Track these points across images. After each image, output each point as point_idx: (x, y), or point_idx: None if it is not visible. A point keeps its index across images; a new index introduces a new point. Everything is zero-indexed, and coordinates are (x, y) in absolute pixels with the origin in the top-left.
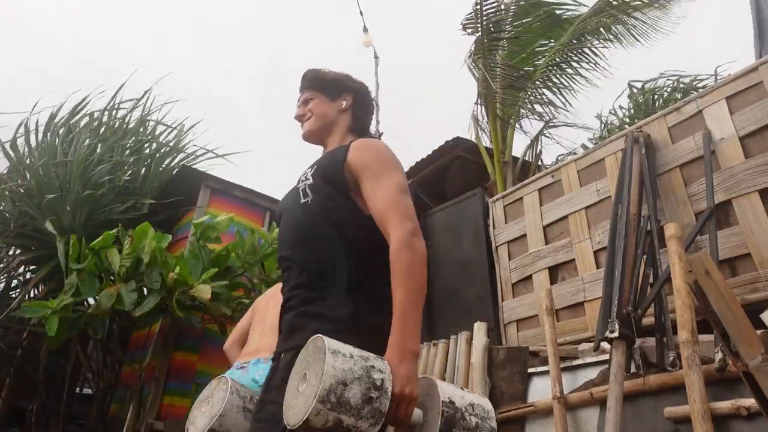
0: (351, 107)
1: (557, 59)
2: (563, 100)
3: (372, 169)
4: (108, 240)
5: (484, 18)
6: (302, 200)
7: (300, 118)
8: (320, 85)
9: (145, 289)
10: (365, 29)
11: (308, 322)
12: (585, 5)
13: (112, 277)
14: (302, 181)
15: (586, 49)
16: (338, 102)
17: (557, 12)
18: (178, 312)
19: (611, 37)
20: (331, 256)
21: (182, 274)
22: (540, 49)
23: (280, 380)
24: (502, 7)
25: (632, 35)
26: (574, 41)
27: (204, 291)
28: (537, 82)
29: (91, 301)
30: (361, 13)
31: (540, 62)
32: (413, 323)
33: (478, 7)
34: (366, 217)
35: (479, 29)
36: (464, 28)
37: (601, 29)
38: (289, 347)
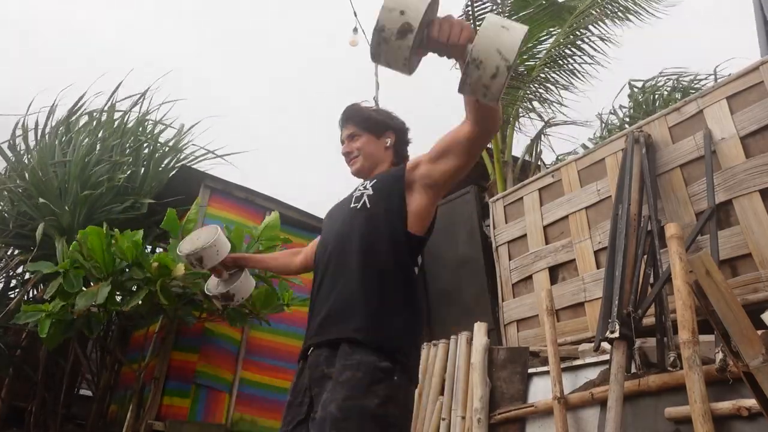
0: (394, 145)
1: (556, 55)
2: (562, 97)
3: (426, 153)
4: (81, 241)
5: (477, 18)
6: (352, 205)
7: (348, 155)
8: (366, 124)
9: (135, 287)
10: (355, 30)
11: (338, 323)
12: None
13: (96, 278)
14: (359, 190)
15: (585, 45)
16: (383, 140)
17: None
18: (163, 300)
19: (614, 20)
20: (370, 265)
21: (164, 261)
22: (539, 44)
23: (308, 381)
24: (499, 1)
25: (632, 18)
26: (572, 36)
27: (179, 269)
28: (536, 80)
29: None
30: (355, 14)
31: (540, 56)
32: None
33: (468, 9)
34: (409, 234)
35: None
36: None
37: (602, 22)
38: (319, 342)
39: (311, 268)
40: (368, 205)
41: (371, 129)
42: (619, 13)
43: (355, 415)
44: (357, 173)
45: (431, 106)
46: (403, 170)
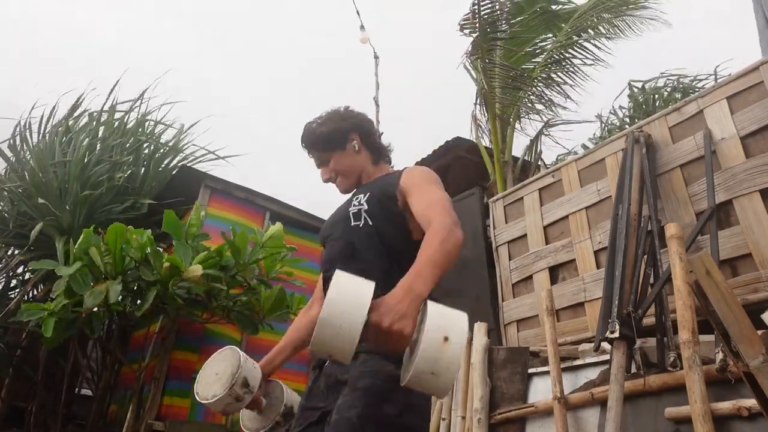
0: (361, 143)
1: (555, 56)
2: (563, 97)
3: (420, 184)
4: (88, 239)
5: (483, 18)
6: (353, 223)
7: (329, 180)
8: (326, 144)
9: (137, 287)
10: (362, 27)
11: None
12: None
13: (104, 276)
14: (355, 206)
15: (586, 44)
16: (350, 146)
17: (553, 7)
18: (177, 300)
19: (609, 30)
20: (379, 276)
21: (174, 262)
22: (539, 44)
23: (323, 387)
24: (497, 6)
25: (627, 30)
26: (573, 37)
27: (194, 270)
28: (536, 81)
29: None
30: (357, 12)
31: (539, 59)
32: (429, 275)
33: (475, 7)
34: (414, 243)
35: (477, 30)
36: (462, 28)
37: (599, 27)
38: None
39: None
40: (370, 222)
41: (334, 145)
42: (605, 28)
43: (373, 423)
44: (346, 192)
45: (431, 104)
46: (396, 181)
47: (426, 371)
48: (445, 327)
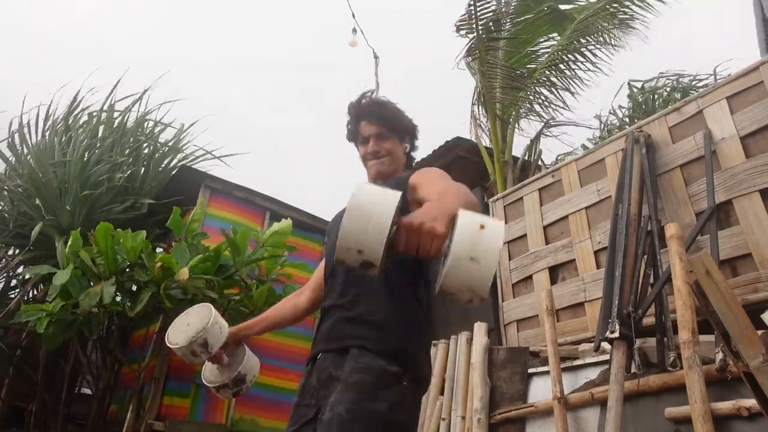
0: (409, 151)
1: (557, 60)
2: (563, 99)
3: (430, 179)
4: (77, 242)
5: (480, 18)
6: None
7: (376, 154)
8: (395, 125)
9: (134, 287)
10: (354, 30)
11: (348, 330)
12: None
13: (99, 277)
14: None
15: (586, 51)
16: (404, 145)
17: (561, 7)
18: (166, 302)
19: (612, 34)
20: (379, 278)
21: (168, 263)
22: (541, 47)
23: (316, 383)
24: (503, 2)
25: (627, 37)
26: (575, 42)
27: (183, 273)
28: (537, 82)
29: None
30: (353, 15)
31: (542, 59)
32: (455, 193)
33: (472, 8)
34: None
35: (474, 30)
36: (458, 29)
37: (601, 33)
38: (329, 348)
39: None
40: None
41: (398, 131)
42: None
43: (364, 418)
44: (377, 175)
45: (431, 104)
46: (406, 180)
47: (464, 257)
48: (480, 218)
